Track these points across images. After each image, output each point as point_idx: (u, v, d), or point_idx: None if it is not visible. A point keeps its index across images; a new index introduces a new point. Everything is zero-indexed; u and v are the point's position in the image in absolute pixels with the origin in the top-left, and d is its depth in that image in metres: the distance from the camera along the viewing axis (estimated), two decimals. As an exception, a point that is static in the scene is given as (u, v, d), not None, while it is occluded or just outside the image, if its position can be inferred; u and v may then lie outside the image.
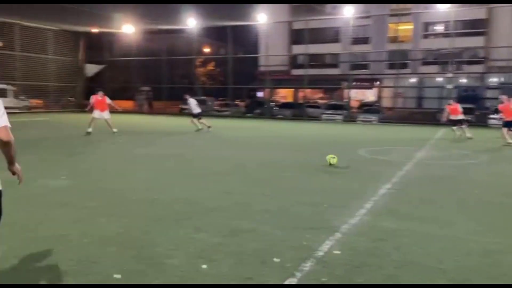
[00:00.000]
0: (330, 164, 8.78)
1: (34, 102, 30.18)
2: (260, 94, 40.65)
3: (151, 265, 3.62)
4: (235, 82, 31.38)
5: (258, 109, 31.09)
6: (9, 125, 2.82)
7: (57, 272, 3.44)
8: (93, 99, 15.53)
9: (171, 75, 34.13)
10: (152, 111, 32.51)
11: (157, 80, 33.69)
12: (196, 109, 17.33)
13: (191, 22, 28.07)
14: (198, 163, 9.40)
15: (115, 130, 14.91)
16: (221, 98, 36.64)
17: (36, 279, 3.31)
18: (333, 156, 8.94)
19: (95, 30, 30.58)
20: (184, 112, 31.75)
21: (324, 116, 27.79)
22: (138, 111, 32.60)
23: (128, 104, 37.16)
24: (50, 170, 8.06)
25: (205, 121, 17.66)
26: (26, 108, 28.75)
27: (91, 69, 33.60)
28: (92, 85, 33.62)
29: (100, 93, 15.46)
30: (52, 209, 5.30)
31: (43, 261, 3.65)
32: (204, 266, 3.61)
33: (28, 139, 13.18)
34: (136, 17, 24.34)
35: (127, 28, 28.53)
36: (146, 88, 35.29)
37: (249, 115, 30.93)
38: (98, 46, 33.73)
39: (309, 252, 3.96)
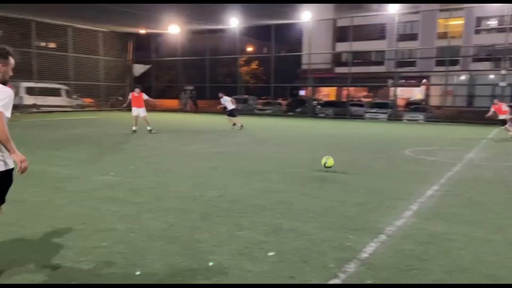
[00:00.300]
0: (326, 167, 7.93)
1: (87, 101, 31.63)
2: (302, 92, 40.40)
3: (195, 260, 3.70)
4: (277, 81, 31.37)
5: (299, 108, 30.92)
6: (6, 114, 3.08)
7: (107, 264, 3.58)
8: (131, 96, 15.88)
9: (214, 74, 34.65)
10: (196, 110, 33.13)
11: (200, 79, 34.30)
12: (230, 106, 17.41)
13: (234, 21, 28.32)
14: (241, 161, 9.48)
15: (148, 128, 15.09)
16: (263, 97, 36.77)
17: (88, 270, 3.47)
18: (327, 156, 8.08)
19: (142, 31, 31.58)
20: (227, 111, 32.26)
21: (367, 115, 27.21)
22: (182, 110, 33.33)
23: (172, 103, 38.15)
24: (100, 166, 8.42)
25: (237, 119, 17.58)
26: (79, 107, 30.19)
27: (138, 69, 34.75)
28: (139, 84, 34.80)
29: (137, 90, 15.76)
30: (102, 204, 5.53)
31: (93, 253, 3.82)
32: (246, 264, 3.65)
33: (80, 136, 13.84)
34: (181, 18, 24.85)
35: (173, 28, 29.22)
36: (190, 87, 36.03)
37: (290, 113, 30.83)
38: (145, 46, 34.83)
39: (352, 254, 3.89)
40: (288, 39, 39.53)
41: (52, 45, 31.45)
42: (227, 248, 4.02)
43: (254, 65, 46.87)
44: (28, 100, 27.39)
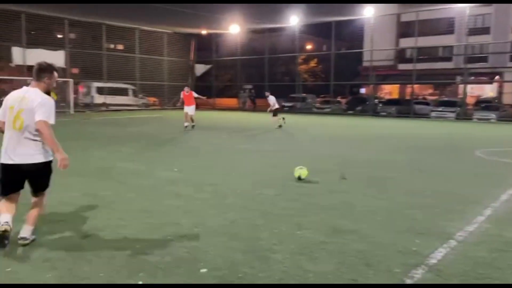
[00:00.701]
0: (299, 179, 6.80)
1: (151, 100, 33.06)
2: (362, 90, 39.34)
3: (257, 258, 3.72)
4: (337, 79, 30.78)
5: (360, 106, 30.14)
6: (50, 121, 3.75)
7: (172, 257, 3.70)
8: (182, 95, 16.37)
9: (272, 73, 34.75)
10: (254, 109, 33.44)
11: (259, 78, 34.56)
12: (276, 105, 17.63)
13: (294, 19, 28.18)
14: (301, 160, 9.38)
15: (186, 124, 15.59)
16: (322, 95, 36.29)
17: (154, 262, 3.60)
18: (301, 167, 6.93)
19: (204, 31, 32.39)
20: (285, 110, 32.21)
21: (433, 114, 25.92)
22: (241, 108, 33.78)
23: (231, 101, 38.80)
24: (164, 162, 8.74)
25: (278, 119, 17.57)
26: (144, 106, 31.63)
27: (200, 68, 35.72)
28: (200, 83, 35.82)
29: (186, 89, 16.33)
30: (166, 199, 5.74)
31: (159, 247, 3.96)
32: (307, 264, 3.61)
33: (145, 133, 14.48)
34: (243, 17, 25.16)
35: (234, 28, 29.68)
36: (249, 86, 36.43)
37: (350, 112, 30.16)
38: (206, 47, 35.72)
39: (419, 259, 3.71)
40: (348, 36, 38.62)
41: (120, 47, 33.21)
42: (287, 247, 4.00)
43: (312, 63, 46.40)
44: (99, 99, 29.14)
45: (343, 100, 33.51)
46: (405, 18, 34.42)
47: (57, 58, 26.30)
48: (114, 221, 4.70)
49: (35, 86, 3.85)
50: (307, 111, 31.20)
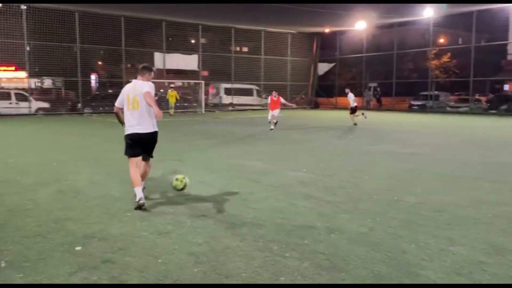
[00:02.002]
0: (178, 189, 5.48)
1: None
2: (506, 87, 34.76)
3: (404, 274, 3.36)
4: (475, 74, 27.64)
5: (504, 105, 26.61)
6: (152, 93, 5.15)
7: (311, 263, 3.56)
8: (269, 99, 15.92)
9: (399, 69, 32.69)
10: (380, 107, 31.93)
11: (385, 76, 32.87)
12: (354, 104, 17.74)
13: (427, 11, 26.05)
14: (439, 164, 8.56)
15: (272, 127, 15.19)
16: (456, 93, 33.03)
17: (294, 266, 3.49)
18: (182, 177, 5.48)
19: (327, 30, 31.96)
20: (414, 109, 30.06)
21: None
22: (365, 107, 32.54)
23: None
24: (291, 162, 8.72)
25: (355, 116, 17.69)
26: (267, 106, 32.46)
27: (322, 67, 35.37)
28: (322, 82, 35.48)
29: (275, 93, 15.84)
30: (298, 200, 5.64)
31: (297, 249, 3.85)
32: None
33: (269, 133, 14.73)
34: (372, 13, 24.10)
35: (360, 25, 28.65)
36: (374, 84, 34.90)
37: (492, 112, 26.83)
38: (329, 45, 35.21)
39: None
40: (488, 27, 34.45)
41: (245, 49, 34.63)
42: (439, 264, 3.55)
43: (445, 58, 42.55)
44: (226, 99, 30.79)
45: (483, 98, 29.95)
46: None
47: (191, 61, 28.54)
48: (250, 219, 4.75)
49: (139, 79, 5.34)
50: (440, 110, 28.67)
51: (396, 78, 30.34)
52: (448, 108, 28.99)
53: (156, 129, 5.35)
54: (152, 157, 5.56)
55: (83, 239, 4.07)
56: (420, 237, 4.19)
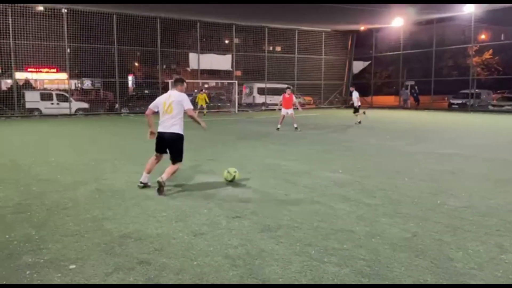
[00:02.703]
0: (229, 181, 6.47)
1: (306, 99, 33.48)
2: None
3: (452, 282, 3.15)
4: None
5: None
6: (191, 107, 6.21)
7: (351, 268, 3.41)
8: (282, 97, 15.56)
9: (437, 67, 31.54)
10: (417, 106, 30.97)
11: (422, 74, 31.87)
12: (357, 103, 17.97)
13: (469, 7, 25.02)
14: (484, 166, 8.14)
15: (295, 126, 14.98)
16: (499, 91, 31.63)
17: (333, 273, 3.36)
18: (233, 171, 6.52)
19: (362, 27, 31.31)
20: (454, 108, 28.96)
21: None
22: (402, 106, 31.69)
23: (390, 99, 36.68)
24: (327, 163, 8.51)
25: (359, 116, 17.89)
26: (300, 105, 32.19)
27: (357, 66, 34.69)
28: (357, 81, 34.77)
29: (288, 91, 15.57)
30: (335, 202, 5.47)
31: (336, 254, 3.71)
32: (524, 300, 2.90)
33: (303, 132, 14.54)
34: (411, 9, 23.37)
35: (397, 21, 27.86)
36: (411, 82, 33.90)
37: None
38: (364, 43, 34.49)
39: None
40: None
41: (278, 48, 34.45)
42: (491, 274, 3.32)
43: (487, 55, 40.86)
44: (259, 99, 30.76)
45: (529, 97, 28.51)
46: None
47: (225, 61, 28.67)
48: (286, 221, 4.64)
49: (173, 89, 6.31)
50: (481, 109, 27.50)
51: (435, 76, 29.31)
52: (491, 107, 27.78)
53: (181, 133, 6.14)
54: (176, 160, 6.13)
55: (119, 239, 4.09)
56: (468, 244, 3.94)
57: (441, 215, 4.86)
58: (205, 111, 24.14)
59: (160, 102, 6.17)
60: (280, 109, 15.80)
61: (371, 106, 32.89)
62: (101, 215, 4.90)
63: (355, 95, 17.97)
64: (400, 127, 16.31)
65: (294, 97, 15.80)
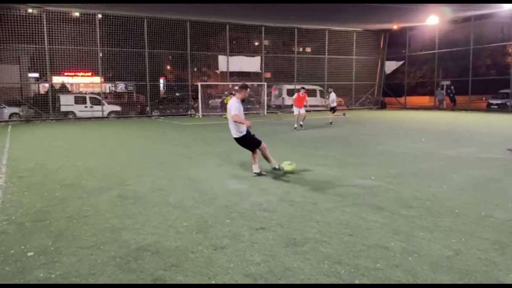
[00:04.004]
0: (287, 172, 7.36)
1: (338, 100, 32.79)
2: None
3: (505, 315, 2.75)
4: None
5: None
6: (235, 113, 7.10)
7: (385, 293, 3.06)
8: (296, 95, 16.39)
9: (475, 66, 30.14)
10: (453, 107, 29.73)
11: (458, 73, 30.58)
12: (333, 104, 18.81)
13: (508, 4, 23.73)
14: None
15: (301, 123, 16.06)
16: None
17: (364, 296, 3.02)
18: (289, 162, 7.51)
19: (395, 26, 30.38)
20: (493, 108, 27.58)
21: None
22: (437, 107, 30.53)
23: (424, 100, 35.43)
24: (358, 168, 8.09)
25: (331, 117, 18.76)
26: (329, 107, 31.59)
27: (390, 66, 33.67)
28: (390, 81, 33.78)
29: (302, 91, 16.30)
30: (368, 212, 5.09)
31: (368, 275, 3.35)
32: None
33: (334, 135, 14.09)
34: (447, 6, 22.38)
35: (432, 19, 26.80)
36: (447, 82, 32.60)
37: None
38: (397, 42, 33.45)
39: None
40: None
41: (308, 49, 33.92)
42: (550, 303, 2.88)
43: (529, 52, 38.81)
44: (288, 101, 30.37)
45: None
46: None
47: (254, 63, 28.46)
48: (313, 234, 4.31)
49: (235, 95, 7.54)
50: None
51: (472, 76, 28.03)
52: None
53: (239, 135, 7.26)
54: (251, 150, 7.42)
55: (136, 252, 3.88)
56: (520, 266, 3.50)
57: (487, 230, 4.40)
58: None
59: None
60: (331, 108, 18.74)
61: (405, 107, 31.89)
62: (120, 224, 4.72)
63: (332, 96, 18.96)
64: (436, 129, 15.57)
65: (306, 97, 16.61)
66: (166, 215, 5.05)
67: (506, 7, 24.31)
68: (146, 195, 6.07)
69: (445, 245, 3.99)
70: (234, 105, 7.16)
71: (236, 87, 7.32)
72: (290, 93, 30.37)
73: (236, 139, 7.33)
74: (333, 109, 19.05)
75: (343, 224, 4.65)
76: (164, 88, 31.88)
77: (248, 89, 7.31)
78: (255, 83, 29.66)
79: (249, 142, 7.32)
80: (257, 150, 7.35)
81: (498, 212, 5.03)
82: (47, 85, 24.24)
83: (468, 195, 5.91)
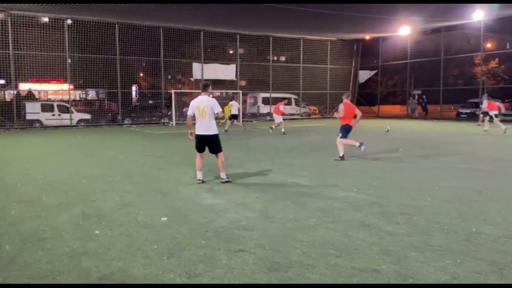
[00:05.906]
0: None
1: (311, 108, 32.85)
2: None
3: None
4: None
5: None
6: (221, 109, 7.36)
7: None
8: (281, 106, 18.42)
9: (445, 76, 30.83)
10: (425, 116, 30.18)
11: (428, 83, 31.16)
12: (234, 111, 19.47)
13: (477, 14, 24.30)
14: (506, 183, 7.41)
15: (283, 129, 17.88)
16: (507, 100, 30.89)
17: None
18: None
19: (368, 36, 30.72)
20: (463, 117, 28.15)
21: None
22: (409, 116, 30.95)
23: (395, 109, 35.88)
24: (339, 179, 7.78)
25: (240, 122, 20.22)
26: (305, 115, 31.56)
27: (363, 75, 33.99)
28: (362, 90, 34.07)
29: (286, 100, 19.34)
30: (353, 230, 4.76)
31: (361, 306, 2.99)
32: None
33: (313, 143, 13.83)
34: (418, 17, 22.68)
35: (403, 30, 27.19)
36: (418, 92, 33.16)
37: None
38: (369, 52, 33.85)
39: None
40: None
41: (283, 57, 33.87)
42: None
43: (493, 64, 40.11)
44: (264, 109, 30.14)
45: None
46: None
47: (229, 71, 28.09)
48: (297, 257, 3.93)
49: (203, 95, 7.37)
50: (490, 118, 26.65)
51: (440, 85, 28.57)
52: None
53: (216, 132, 7.31)
54: (216, 152, 7.39)
55: (97, 282, 3.39)
56: (523, 291, 3.22)
57: (481, 249, 4.13)
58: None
59: (194, 107, 7.24)
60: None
61: (378, 116, 32.15)
62: (81, 248, 4.21)
63: (234, 104, 19.70)
64: (411, 138, 15.55)
65: (281, 107, 18.36)
66: (133, 236, 4.57)
67: (476, 18, 24.89)
68: (112, 213, 5.55)
69: (440, 267, 3.68)
70: (216, 102, 7.29)
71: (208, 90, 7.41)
72: (266, 101, 30.18)
73: (214, 136, 7.31)
74: (233, 117, 19.41)
75: (328, 243, 4.30)
76: (136, 96, 31.02)
77: (210, 87, 7.44)
78: (230, 91, 29.30)
79: (219, 142, 7.44)
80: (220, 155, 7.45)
81: (488, 228, 4.78)
82: (13, 92, 23.11)
83: (454, 208, 5.67)
